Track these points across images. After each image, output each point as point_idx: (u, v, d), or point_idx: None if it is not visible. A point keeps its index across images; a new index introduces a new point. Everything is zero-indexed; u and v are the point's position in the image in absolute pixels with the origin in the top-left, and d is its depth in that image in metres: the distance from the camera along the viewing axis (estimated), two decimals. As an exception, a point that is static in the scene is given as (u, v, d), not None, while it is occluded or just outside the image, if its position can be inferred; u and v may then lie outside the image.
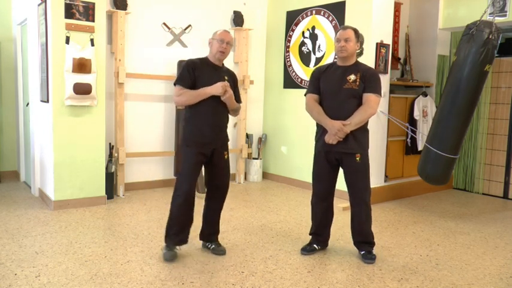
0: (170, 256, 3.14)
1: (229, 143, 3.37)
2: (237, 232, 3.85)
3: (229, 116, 3.34)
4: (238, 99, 3.32)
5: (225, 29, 3.31)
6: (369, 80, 3.14)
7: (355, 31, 3.20)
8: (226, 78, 3.21)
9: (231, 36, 3.20)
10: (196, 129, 3.14)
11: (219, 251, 3.30)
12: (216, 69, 3.20)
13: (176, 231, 3.16)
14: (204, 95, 3.07)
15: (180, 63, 5.23)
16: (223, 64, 3.30)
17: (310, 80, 3.35)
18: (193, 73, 3.11)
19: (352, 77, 3.16)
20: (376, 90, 3.15)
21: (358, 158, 3.18)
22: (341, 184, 3.42)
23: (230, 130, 5.88)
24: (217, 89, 3.07)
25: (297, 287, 2.81)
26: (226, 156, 3.29)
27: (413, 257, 3.41)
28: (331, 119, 3.13)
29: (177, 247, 3.22)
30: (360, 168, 3.20)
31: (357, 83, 3.14)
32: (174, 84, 3.17)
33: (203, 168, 3.31)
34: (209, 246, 3.35)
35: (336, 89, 3.17)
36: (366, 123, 3.21)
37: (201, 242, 3.43)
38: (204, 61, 3.21)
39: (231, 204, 4.77)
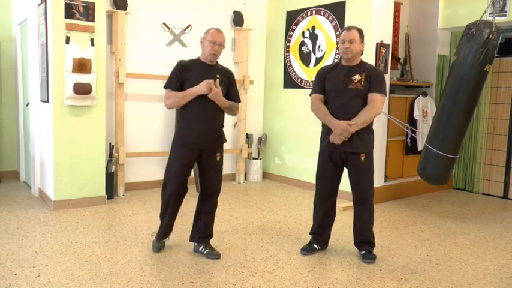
0: (157, 248, 3.31)
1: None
2: (237, 232, 3.85)
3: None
4: (235, 97, 3.24)
5: (217, 28, 3.18)
6: (374, 80, 3.14)
7: (360, 31, 3.19)
8: (218, 76, 3.13)
9: (223, 37, 3.13)
10: (185, 129, 3.13)
11: (213, 255, 3.21)
12: (207, 69, 3.13)
13: (164, 232, 3.32)
14: (191, 95, 3.05)
15: (180, 63, 5.23)
16: (217, 62, 3.22)
17: (315, 80, 3.35)
18: (180, 75, 3.10)
19: (357, 77, 3.16)
20: (381, 90, 3.15)
21: (362, 158, 3.18)
22: (342, 184, 3.41)
23: (230, 130, 5.91)
24: (201, 87, 3.01)
25: (297, 287, 2.81)
26: (218, 158, 3.21)
27: (413, 257, 3.41)
28: (336, 118, 3.13)
29: (165, 239, 3.38)
30: (364, 168, 3.21)
31: (362, 83, 3.14)
32: (164, 88, 3.18)
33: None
34: (202, 250, 3.26)
35: (341, 89, 3.18)
36: (371, 123, 3.21)
37: (192, 244, 3.35)
38: (195, 61, 3.18)
39: (231, 204, 4.77)
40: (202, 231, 3.29)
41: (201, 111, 3.10)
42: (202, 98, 3.06)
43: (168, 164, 3.23)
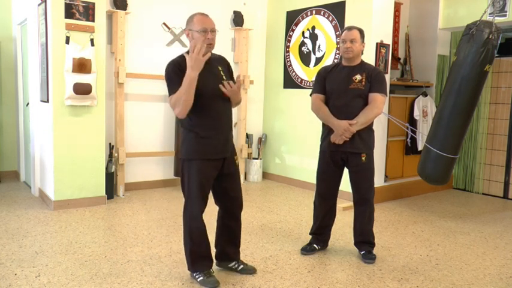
0: (214, 283, 2.73)
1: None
2: (237, 232, 3.84)
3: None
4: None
5: (200, 12, 2.73)
6: (375, 80, 3.15)
7: (361, 31, 3.20)
8: (220, 68, 2.73)
9: (212, 21, 2.64)
10: (204, 138, 2.64)
11: (250, 270, 2.95)
12: (205, 64, 2.57)
13: (204, 255, 2.78)
14: (191, 81, 2.49)
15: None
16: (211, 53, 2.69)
17: (315, 80, 3.35)
18: (181, 74, 2.56)
19: (358, 77, 3.16)
20: (382, 90, 3.16)
21: (363, 158, 3.19)
22: (342, 184, 3.41)
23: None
24: (192, 64, 2.47)
25: (297, 287, 2.81)
26: (237, 162, 2.85)
27: (413, 257, 3.41)
28: (337, 119, 3.13)
29: (211, 270, 2.82)
30: (365, 167, 3.21)
31: (363, 83, 3.14)
32: (169, 95, 2.65)
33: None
34: (235, 266, 2.95)
35: (342, 89, 3.18)
36: (372, 123, 3.22)
37: (218, 263, 3.01)
38: (185, 57, 2.59)
39: (231, 204, 4.76)
40: (235, 246, 2.97)
41: (218, 114, 2.68)
42: (216, 99, 2.65)
43: (189, 185, 2.68)
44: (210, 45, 2.61)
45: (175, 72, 2.61)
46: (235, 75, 2.86)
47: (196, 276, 2.78)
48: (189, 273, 2.92)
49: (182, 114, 2.57)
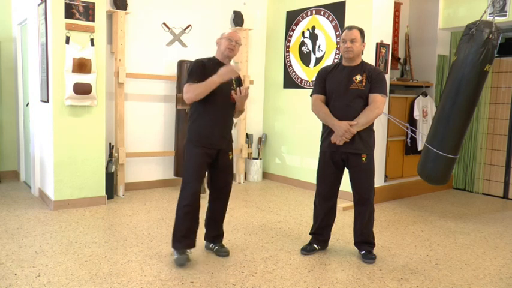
0: (183, 260, 3.03)
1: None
2: (237, 232, 3.85)
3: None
4: None
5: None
6: (375, 80, 3.14)
7: (361, 31, 3.19)
8: (233, 78, 3.14)
9: (239, 37, 3.21)
10: (204, 129, 3.08)
11: (222, 252, 3.27)
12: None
13: (185, 234, 3.05)
14: (213, 84, 2.94)
15: (180, 63, 5.23)
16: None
17: (316, 81, 3.34)
18: (203, 70, 3.02)
19: (358, 77, 3.16)
20: (382, 90, 3.15)
21: (364, 158, 3.18)
22: (342, 184, 3.41)
23: (230, 130, 5.92)
24: (222, 74, 2.94)
25: (297, 287, 2.81)
26: (230, 157, 3.25)
27: (413, 257, 3.41)
28: (338, 119, 3.13)
29: (188, 250, 3.11)
30: (365, 168, 3.21)
31: (363, 84, 3.14)
32: (186, 83, 3.04)
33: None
34: (212, 247, 3.33)
35: (342, 89, 3.17)
36: (372, 124, 3.21)
37: (204, 242, 3.41)
38: (211, 60, 3.15)
39: (231, 204, 4.75)
40: (217, 231, 3.34)
41: (221, 112, 3.12)
42: (221, 98, 3.07)
43: (187, 165, 3.11)
44: (232, 50, 3.13)
45: (198, 67, 3.06)
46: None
47: (173, 253, 3.13)
48: (189, 272, 2.94)
49: (190, 100, 3.02)
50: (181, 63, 5.21)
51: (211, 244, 3.34)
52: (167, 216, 4.22)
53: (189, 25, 5.59)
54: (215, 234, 3.33)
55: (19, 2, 5.40)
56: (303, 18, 5.73)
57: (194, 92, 2.96)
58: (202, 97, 2.97)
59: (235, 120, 5.91)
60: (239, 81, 3.30)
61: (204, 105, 3.05)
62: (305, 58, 5.71)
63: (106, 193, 4.63)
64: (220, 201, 3.30)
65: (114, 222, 4.05)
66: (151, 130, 5.37)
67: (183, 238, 3.06)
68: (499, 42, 3.30)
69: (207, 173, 3.23)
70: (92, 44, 4.35)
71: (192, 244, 3.10)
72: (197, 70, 3.03)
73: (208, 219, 3.34)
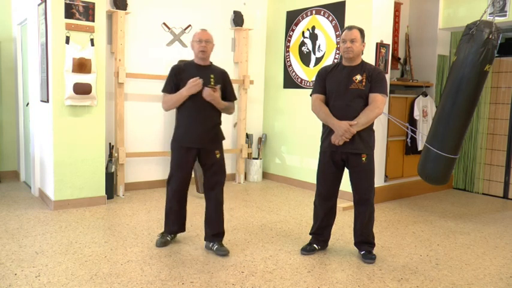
0: (160, 243, 3.40)
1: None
2: (237, 232, 3.85)
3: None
4: (231, 96, 3.35)
5: (202, 28, 3.37)
6: (375, 80, 3.14)
7: (361, 31, 3.19)
8: (212, 76, 3.22)
9: (208, 34, 3.26)
10: (181, 129, 3.25)
11: (221, 251, 3.27)
12: (200, 70, 3.23)
13: (169, 222, 3.43)
14: (181, 97, 3.15)
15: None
16: (211, 63, 3.34)
17: (316, 80, 3.34)
18: (175, 78, 3.21)
19: (358, 77, 3.15)
20: (383, 90, 3.15)
21: (364, 158, 3.18)
22: (342, 184, 3.41)
23: (230, 130, 5.91)
24: (189, 88, 3.11)
25: (297, 287, 2.81)
26: (218, 155, 3.28)
27: (413, 257, 3.41)
28: (338, 119, 3.12)
29: (170, 235, 3.47)
30: (365, 168, 3.20)
31: (363, 83, 3.14)
32: (162, 92, 3.30)
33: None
34: (212, 246, 3.33)
35: (342, 89, 3.17)
36: (372, 124, 3.21)
37: (205, 242, 3.43)
38: (189, 63, 3.30)
39: (231, 204, 4.77)
40: (214, 230, 3.35)
41: (195, 112, 3.20)
42: (197, 98, 3.15)
43: (171, 161, 3.35)
44: (204, 52, 3.21)
45: (171, 76, 3.26)
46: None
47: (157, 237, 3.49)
48: (189, 272, 2.94)
49: (166, 110, 3.35)
50: (181, 63, 5.22)
51: (211, 243, 3.35)
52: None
53: (189, 25, 5.59)
54: (213, 233, 3.35)
55: (19, 2, 5.40)
56: (303, 18, 5.73)
57: (167, 104, 3.25)
58: (177, 106, 3.22)
59: (235, 119, 5.97)
60: (223, 81, 3.30)
61: (181, 106, 3.23)
62: (305, 58, 5.71)
63: (106, 193, 4.63)
64: (211, 200, 3.35)
65: (114, 222, 4.05)
66: (151, 130, 5.37)
67: (166, 225, 3.45)
68: (499, 42, 3.31)
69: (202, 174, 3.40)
70: (92, 44, 4.35)
71: (176, 231, 3.48)
72: (170, 79, 3.24)
73: (205, 219, 3.39)
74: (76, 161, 4.39)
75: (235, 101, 3.44)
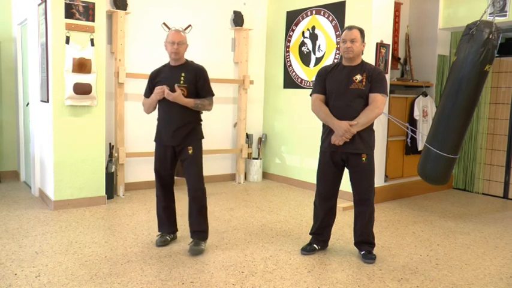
0: (160, 243, 3.44)
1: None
2: (237, 232, 3.85)
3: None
4: (205, 93, 3.33)
5: (176, 29, 3.38)
6: (375, 80, 3.13)
7: (361, 31, 3.18)
8: (183, 75, 3.27)
9: (180, 35, 3.31)
10: (157, 128, 3.41)
11: (192, 250, 3.27)
12: (173, 70, 3.32)
13: (159, 220, 3.52)
14: (152, 101, 3.34)
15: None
16: (186, 61, 3.37)
17: (315, 80, 3.33)
18: (151, 83, 3.38)
19: (358, 77, 3.15)
20: (383, 90, 3.14)
21: (364, 158, 3.18)
22: (342, 184, 3.41)
23: (230, 130, 5.92)
24: (155, 93, 3.26)
25: (297, 287, 2.81)
26: (190, 151, 3.29)
27: (413, 257, 3.41)
28: (338, 119, 3.12)
29: (169, 235, 3.51)
30: (365, 168, 3.20)
31: (363, 83, 3.13)
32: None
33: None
34: (190, 243, 3.36)
35: (342, 89, 3.16)
36: (372, 124, 3.21)
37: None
38: (165, 66, 3.42)
39: (231, 204, 4.77)
40: (191, 226, 3.37)
41: (166, 112, 3.32)
42: (166, 100, 3.25)
43: (154, 162, 3.49)
44: (176, 53, 3.28)
45: (149, 80, 3.44)
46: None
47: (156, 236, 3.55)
48: (189, 272, 2.95)
49: (146, 113, 3.52)
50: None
51: (190, 240, 3.38)
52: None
53: (189, 25, 5.53)
54: (191, 230, 3.37)
55: (19, 2, 5.40)
56: (303, 18, 5.73)
57: (144, 108, 3.46)
58: (152, 110, 3.43)
59: (235, 119, 5.97)
60: (196, 79, 3.30)
61: (159, 105, 3.39)
62: (305, 58, 5.71)
63: (106, 193, 4.63)
64: (190, 197, 3.33)
65: (114, 222, 4.05)
66: (151, 130, 5.32)
67: (159, 223, 3.52)
68: (499, 42, 3.31)
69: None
70: (92, 44, 4.35)
71: (167, 232, 3.50)
72: (148, 84, 3.42)
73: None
74: (76, 161, 4.39)
75: (212, 97, 3.40)
